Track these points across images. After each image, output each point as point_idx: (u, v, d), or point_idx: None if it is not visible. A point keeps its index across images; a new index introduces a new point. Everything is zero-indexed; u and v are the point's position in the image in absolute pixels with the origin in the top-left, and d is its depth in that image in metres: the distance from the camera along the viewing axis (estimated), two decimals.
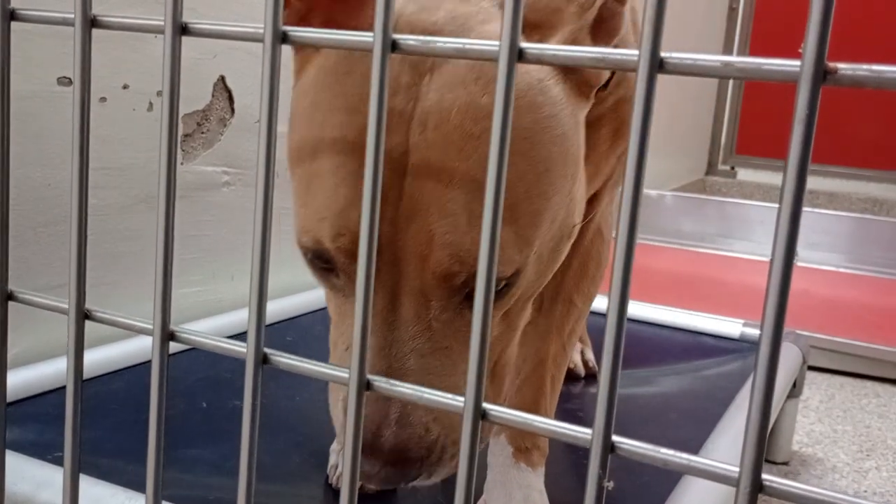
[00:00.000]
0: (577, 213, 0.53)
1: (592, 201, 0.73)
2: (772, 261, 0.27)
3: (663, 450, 0.28)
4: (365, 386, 0.33)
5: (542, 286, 0.55)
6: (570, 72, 0.50)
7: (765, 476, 0.27)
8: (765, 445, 0.27)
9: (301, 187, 0.50)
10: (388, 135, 0.45)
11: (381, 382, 0.33)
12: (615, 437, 0.29)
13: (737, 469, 0.27)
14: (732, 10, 3.56)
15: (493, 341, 0.51)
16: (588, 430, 0.29)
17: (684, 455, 0.28)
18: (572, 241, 0.55)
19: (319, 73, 0.48)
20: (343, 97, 0.46)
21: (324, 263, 0.48)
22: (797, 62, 0.26)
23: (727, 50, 3.55)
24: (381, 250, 0.45)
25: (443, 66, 0.46)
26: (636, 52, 0.28)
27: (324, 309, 0.81)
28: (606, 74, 0.53)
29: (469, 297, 0.47)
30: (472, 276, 0.46)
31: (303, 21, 0.50)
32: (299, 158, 0.50)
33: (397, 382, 0.33)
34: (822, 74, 0.26)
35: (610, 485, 0.29)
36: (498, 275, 0.45)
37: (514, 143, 0.45)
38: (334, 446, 0.79)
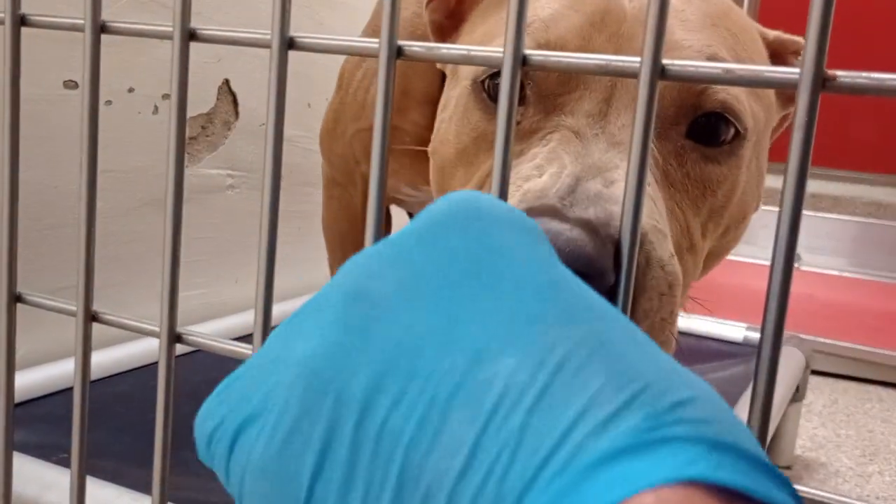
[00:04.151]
0: None
1: None
2: (772, 265, 0.27)
3: None
4: None
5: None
6: None
7: None
8: (765, 446, 0.27)
9: (480, 40, 0.49)
10: None
11: None
12: None
13: None
14: None
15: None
16: None
17: None
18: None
19: None
20: None
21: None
22: (797, 70, 0.26)
23: None
24: (599, 47, 0.43)
25: None
26: (638, 58, 0.28)
27: None
28: None
29: (692, 137, 0.44)
30: (707, 93, 0.43)
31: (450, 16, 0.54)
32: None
33: None
34: (821, 82, 0.26)
35: None
36: (741, 112, 0.44)
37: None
38: None
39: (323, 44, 0.34)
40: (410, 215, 0.86)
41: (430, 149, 0.52)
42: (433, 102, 0.62)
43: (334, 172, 0.77)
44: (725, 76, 0.28)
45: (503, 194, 0.31)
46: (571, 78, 0.43)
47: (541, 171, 0.40)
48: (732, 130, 0.45)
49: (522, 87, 0.44)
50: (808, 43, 0.26)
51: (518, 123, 0.44)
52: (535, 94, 0.44)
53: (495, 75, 0.45)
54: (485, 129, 0.46)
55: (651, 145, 0.42)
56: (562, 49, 0.44)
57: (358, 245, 0.78)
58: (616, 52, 0.44)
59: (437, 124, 0.52)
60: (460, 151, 0.48)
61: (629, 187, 0.28)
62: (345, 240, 0.79)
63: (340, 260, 0.80)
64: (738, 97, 0.45)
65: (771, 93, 0.51)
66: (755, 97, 0.48)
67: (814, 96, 0.26)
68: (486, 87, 0.46)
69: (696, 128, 0.44)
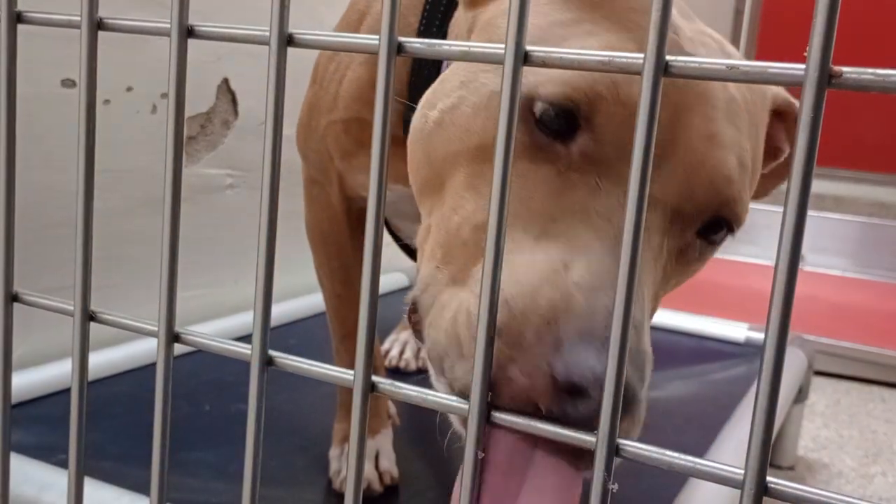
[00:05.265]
0: None
1: None
2: (776, 265, 0.27)
3: (668, 452, 0.28)
4: (370, 388, 0.33)
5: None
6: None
7: (769, 478, 0.26)
8: (770, 448, 0.27)
9: (539, 43, 0.43)
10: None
11: (385, 385, 0.33)
12: (620, 440, 0.28)
13: (742, 471, 0.27)
14: (738, 13, 3.56)
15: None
16: (592, 435, 0.29)
17: (689, 457, 0.28)
18: None
19: None
20: None
21: (555, 122, 0.40)
22: (802, 66, 0.26)
23: None
24: (689, 130, 0.41)
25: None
26: (641, 55, 0.28)
27: (325, 313, 0.81)
28: None
29: (701, 234, 0.44)
30: (730, 204, 0.43)
31: None
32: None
33: (401, 385, 0.33)
34: (826, 78, 0.25)
35: (615, 487, 0.29)
36: (741, 220, 0.45)
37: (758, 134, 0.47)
38: (333, 451, 0.79)
39: (322, 41, 0.34)
40: (387, 223, 0.84)
41: (434, 119, 0.47)
42: (401, 96, 0.61)
43: (312, 170, 0.77)
44: (729, 73, 0.28)
45: (502, 203, 0.31)
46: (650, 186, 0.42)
47: (568, 264, 0.38)
48: (725, 231, 0.46)
49: (575, 121, 0.40)
50: (813, 38, 0.25)
51: (568, 165, 0.41)
52: (593, 144, 0.41)
53: (550, 111, 0.40)
54: (525, 168, 0.42)
55: (664, 242, 0.43)
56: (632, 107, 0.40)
57: (340, 245, 0.78)
58: (668, 129, 0.41)
59: (452, 99, 0.46)
60: (478, 151, 0.43)
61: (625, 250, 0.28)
62: (327, 241, 0.78)
63: (325, 261, 0.79)
64: (747, 207, 0.45)
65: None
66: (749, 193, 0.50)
67: (819, 93, 0.26)
68: (536, 114, 0.41)
69: (704, 226, 0.45)
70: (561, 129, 0.41)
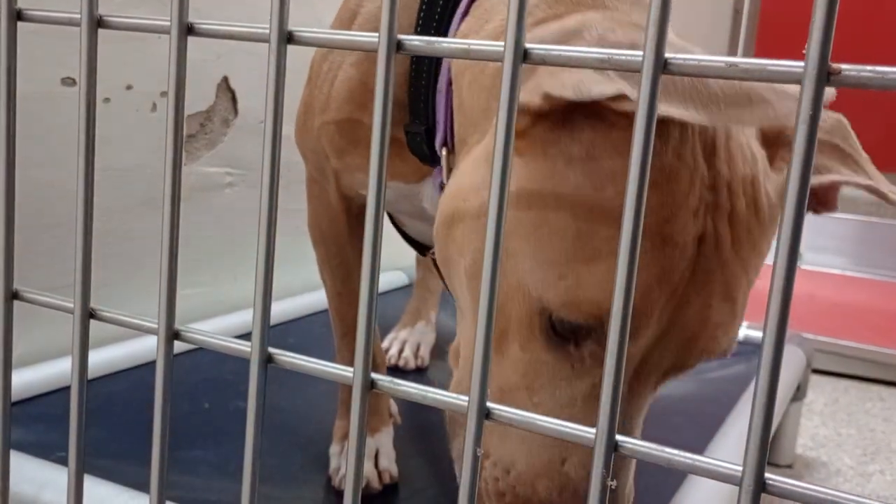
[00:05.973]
0: None
1: None
2: (775, 263, 0.27)
3: (667, 449, 0.28)
4: (369, 386, 0.33)
5: None
6: None
7: (768, 475, 0.27)
8: (768, 444, 0.27)
9: (560, 256, 0.45)
10: (687, 218, 0.44)
11: (385, 382, 0.33)
12: (619, 437, 0.29)
13: (740, 468, 0.27)
14: (737, 13, 3.56)
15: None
16: (592, 430, 0.29)
17: (688, 454, 0.28)
18: None
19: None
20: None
21: (568, 332, 0.46)
22: (801, 63, 0.26)
23: (732, 52, 3.54)
24: (649, 324, 0.45)
25: (724, 149, 0.46)
26: (640, 52, 0.28)
27: (324, 311, 0.81)
28: None
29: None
30: (721, 355, 0.49)
31: None
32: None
33: (401, 382, 0.33)
34: (825, 75, 0.26)
35: (613, 484, 0.29)
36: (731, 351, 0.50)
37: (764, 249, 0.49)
38: (333, 449, 0.79)
39: (322, 38, 0.34)
40: (391, 216, 0.84)
41: (470, 211, 0.49)
42: (399, 100, 0.62)
43: (311, 169, 0.77)
44: (728, 70, 0.28)
45: (501, 202, 0.31)
46: (645, 361, 0.47)
47: (565, 458, 0.46)
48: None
49: (587, 333, 0.46)
50: (812, 35, 0.25)
51: (580, 361, 0.47)
52: (600, 349, 0.46)
53: (567, 324, 0.46)
54: (542, 358, 0.48)
55: (656, 391, 0.49)
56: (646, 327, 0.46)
57: (339, 244, 0.78)
58: (676, 311, 0.46)
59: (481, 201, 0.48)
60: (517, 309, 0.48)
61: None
62: (327, 239, 0.79)
63: (325, 259, 0.80)
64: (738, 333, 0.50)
65: None
66: None
67: (818, 90, 0.26)
68: (552, 321, 0.46)
69: None
70: (573, 337, 0.47)
